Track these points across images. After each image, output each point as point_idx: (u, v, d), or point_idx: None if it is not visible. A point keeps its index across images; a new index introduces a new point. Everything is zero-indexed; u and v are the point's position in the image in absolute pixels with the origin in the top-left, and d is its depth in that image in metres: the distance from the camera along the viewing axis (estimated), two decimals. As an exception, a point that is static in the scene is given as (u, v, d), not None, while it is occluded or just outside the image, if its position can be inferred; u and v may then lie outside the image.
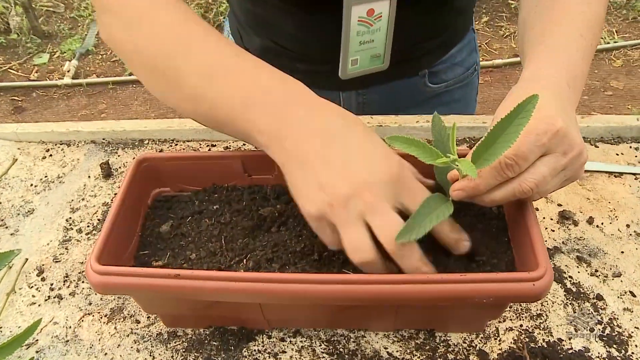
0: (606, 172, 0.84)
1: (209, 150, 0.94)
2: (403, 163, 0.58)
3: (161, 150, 0.95)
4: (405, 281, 0.52)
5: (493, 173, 0.56)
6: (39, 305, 0.73)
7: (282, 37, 0.92)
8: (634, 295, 0.68)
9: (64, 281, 0.75)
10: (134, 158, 0.94)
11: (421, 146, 0.55)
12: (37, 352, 0.67)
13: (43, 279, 0.76)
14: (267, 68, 0.63)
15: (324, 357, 0.64)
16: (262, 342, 0.66)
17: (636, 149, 0.88)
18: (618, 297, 0.69)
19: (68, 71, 3.30)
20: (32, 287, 0.75)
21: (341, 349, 0.65)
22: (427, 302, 0.54)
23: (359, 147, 0.57)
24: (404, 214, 0.55)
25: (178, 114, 0.68)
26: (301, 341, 0.66)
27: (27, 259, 0.78)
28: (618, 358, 0.62)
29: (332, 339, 0.66)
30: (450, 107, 1.03)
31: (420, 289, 0.52)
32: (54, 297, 0.73)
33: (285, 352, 0.65)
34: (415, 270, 0.54)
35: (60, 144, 0.99)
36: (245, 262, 0.63)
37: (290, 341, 0.66)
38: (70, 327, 0.70)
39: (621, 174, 0.83)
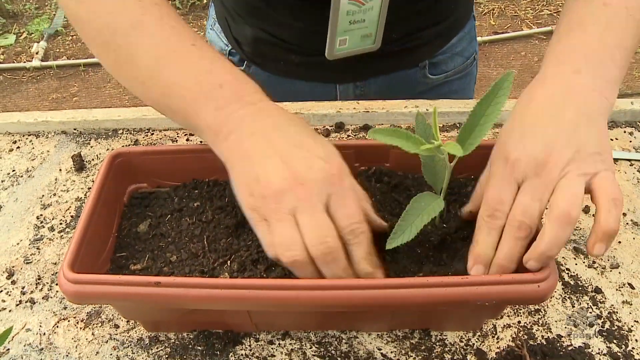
0: (601, 158, 0.81)
1: (187, 139, 0.90)
2: (344, 168, 0.55)
3: (136, 141, 0.90)
4: (403, 285, 0.49)
5: (484, 230, 0.54)
6: (10, 310, 0.68)
7: (276, 26, 0.87)
8: (632, 288, 0.67)
9: (37, 284, 0.71)
10: (107, 149, 0.89)
11: (403, 136, 0.53)
12: (8, 362, 0.63)
13: (13, 282, 0.71)
14: (223, 61, 0.60)
15: (315, 360, 0.61)
16: (250, 345, 0.63)
17: (630, 133, 0.86)
18: (617, 289, 0.66)
19: (37, 53, 3.18)
20: (1, 291, 0.70)
21: (333, 351, 0.62)
22: (426, 306, 0.52)
23: (300, 143, 0.55)
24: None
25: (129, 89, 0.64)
26: (290, 344, 0.63)
27: (-5, 261, 0.74)
28: (619, 354, 0.60)
29: (323, 341, 0.63)
30: (448, 99, 1.00)
31: (419, 293, 0.49)
32: (26, 302, 0.69)
33: (274, 355, 0.62)
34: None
35: (29, 135, 0.93)
36: (229, 264, 0.59)
37: (279, 344, 0.63)
38: (44, 334, 0.65)
39: (616, 160, 0.81)
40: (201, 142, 0.89)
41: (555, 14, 3.28)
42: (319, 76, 0.92)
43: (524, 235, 0.52)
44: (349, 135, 0.88)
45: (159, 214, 0.66)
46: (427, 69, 0.94)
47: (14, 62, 3.18)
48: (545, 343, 0.62)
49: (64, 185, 0.84)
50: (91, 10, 0.61)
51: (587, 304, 0.65)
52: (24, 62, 3.17)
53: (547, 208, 0.52)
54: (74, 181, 0.84)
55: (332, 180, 0.52)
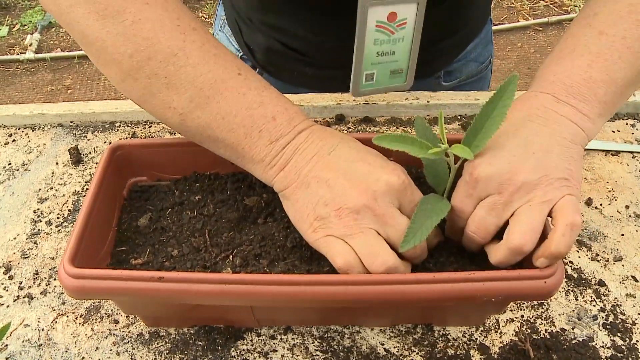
0: (603, 150, 0.81)
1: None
2: (403, 170, 0.56)
3: (134, 133, 0.89)
4: (409, 281, 0.48)
5: (450, 224, 0.58)
6: (7, 306, 0.67)
7: (290, 38, 0.85)
8: (636, 280, 0.66)
9: (34, 279, 0.70)
10: (105, 142, 0.88)
11: (409, 141, 0.53)
12: (6, 358, 0.62)
13: (11, 277, 0.70)
14: (271, 91, 0.59)
15: (317, 355, 0.61)
16: (251, 340, 0.63)
17: (632, 125, 0.85)
18: (620, 282, 0.66)
19: (30, 45, 3.15)
20: (-1, 286, 0.69)
21: (335, 346, 0.62)
22: (433, 302, 0.51)
23: (359, 159, 0.55)
24: None
25: (155, 118, 0.61)
26: (293, 338, 0.63)
27: (-8, 256, 0.73)
28: (623, 347, 0.60)
29: (326, 336, 0.63)
30: None
31: (425, 289, 0.48)
32: (24, 297, 0.68)
33: (277, 350, 0.62)
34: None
35: (24, 128, 0.92)
36: (231, 259, 0.58)
37: (281, 339, 0.63)
38: (43, 330, 0.65)
39: (618, 152, 0.81)
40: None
41: (551, 5, 3.27)
42: (333, 88, 0.90)
43: (477, 243, 0.56)
44: (349, 128, 0.87)
45: (160, 207, 0.65)
46: (441, 78, 0.93)
47: (7, 55, 3.15)
48: (548, 337, 0.61)
49: (60, 178, 0.83)
50: (121, 33, 0.55)
51: (591, 297, 0.65)
52: (17, 54, 3.14)
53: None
54: (71, 174, 0.83)
55: (400, 189, 0.53)
